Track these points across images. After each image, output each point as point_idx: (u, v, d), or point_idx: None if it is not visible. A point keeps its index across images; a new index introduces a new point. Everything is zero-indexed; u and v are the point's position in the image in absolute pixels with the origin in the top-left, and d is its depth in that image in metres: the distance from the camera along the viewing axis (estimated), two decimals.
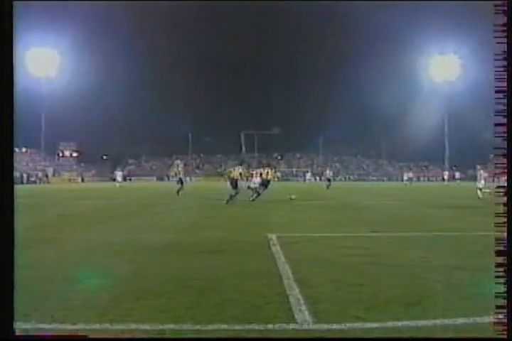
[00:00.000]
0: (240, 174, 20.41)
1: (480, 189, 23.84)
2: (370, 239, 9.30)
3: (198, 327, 3.84)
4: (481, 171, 25.45)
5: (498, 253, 2.93)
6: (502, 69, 3.11)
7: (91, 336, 3.45)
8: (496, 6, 3.03)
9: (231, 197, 19.50)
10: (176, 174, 26.94)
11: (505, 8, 3.02)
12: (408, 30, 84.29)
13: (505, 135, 3.12)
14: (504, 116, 3.08)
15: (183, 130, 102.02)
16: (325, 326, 3.89)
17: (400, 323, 3.92)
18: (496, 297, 2.90)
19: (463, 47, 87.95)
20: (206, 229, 10.84)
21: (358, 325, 3.90)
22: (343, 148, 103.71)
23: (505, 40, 3.08)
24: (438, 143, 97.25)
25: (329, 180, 40.13)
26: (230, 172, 20.68)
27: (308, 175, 76.72)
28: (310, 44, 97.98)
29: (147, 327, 3.83)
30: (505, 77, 3.10)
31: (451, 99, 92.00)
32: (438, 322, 3.96)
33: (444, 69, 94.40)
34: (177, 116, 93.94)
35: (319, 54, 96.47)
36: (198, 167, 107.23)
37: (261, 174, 21.83)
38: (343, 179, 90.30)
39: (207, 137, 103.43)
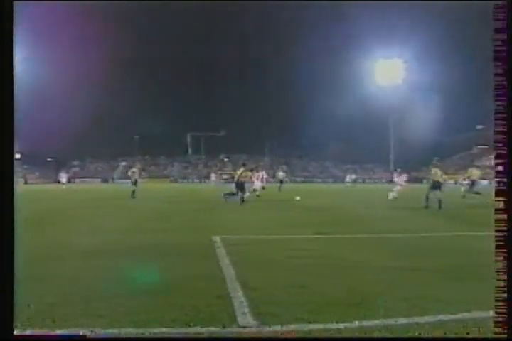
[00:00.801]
0: (246, 176, 21.03)
1: (394, 190, 25.08)
2: (316, 241, 9.34)
3: (140, 330, 3.80)
4: (395, 174, 27.58)
5: (498, 253, 3.01)
6: (502, 72, 3.17)
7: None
8: (495, 8, 3.11)
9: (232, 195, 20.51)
10: (131, 176, 26.81)
11: (505, 10, 3.11)
12: (353, 35, 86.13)
13: (505, 134, 3.21)
14: (504, 119, 3.18)
15: (129, 131, 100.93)
16: (267, 328, 3.90)
17: (342, 325, 3.96)
18: (496, 297, 3.00)
19: (407, 51, 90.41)
20: (150, 232, 10.60)
21: (301, 326, 3.93)
22: (289, 150, 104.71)
23: (505, 39, 3.13)
24: (383, 145, 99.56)
25: (281, 181, 40.46)
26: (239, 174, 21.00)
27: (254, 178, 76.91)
28: (257, 46, 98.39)
29: (86, 331, 3.74)
30: (505, 80, 3.15)
31: (396, 102, 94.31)
32: (379, 322, 4.02)
33: (389, 73, 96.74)
34: (122, 118, 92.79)
35: (267, 56, 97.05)
36: (143, 169, 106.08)
37: (262, 177, 23.64)
38: (289, 181, 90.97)
39: (152, 139, 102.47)
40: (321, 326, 3.91)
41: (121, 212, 16.68)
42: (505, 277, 2.99)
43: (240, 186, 20.16)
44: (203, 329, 3.83)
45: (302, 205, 20.12)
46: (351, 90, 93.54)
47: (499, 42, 3.12)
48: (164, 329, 3.83)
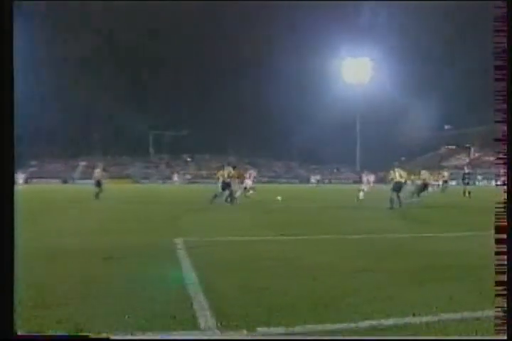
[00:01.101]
0: (231, 176, 20.93)
1: (362, 190, 25.66)
2: (280, 243, 9.37)
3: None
4: (364, 175, 28.17)
5: (498, 252, 3.06)
6: (502, 69, 3.20)
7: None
8: (496, 7, 3.15)
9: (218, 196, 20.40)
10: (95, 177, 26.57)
11: (505, 9, 3.14)
12: (321, 33, 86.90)
13: (505, 134, 3.20)
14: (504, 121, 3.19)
15: (89, 131, 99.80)
16: (229, 331, 3.91)
17: (305, 327, 3.98)
18: (496, 296, 3.06)
19: (374, 50, 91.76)
20: (113, 233, 10.52)
21: (263, 330, 3.94)
22: (254, 149, 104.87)
23: (505, 39, 3.16)
24: (350, 145, 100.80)
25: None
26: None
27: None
28: (222, 43, 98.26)
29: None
30: (506, 77, 3.18)
31: (363, 101, 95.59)
32: (342, 326, 4.04)
33: (357, 71, 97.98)
34: (81, 117, 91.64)
35: (231, 54, 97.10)
36: (104, 169, 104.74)
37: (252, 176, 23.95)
38: (255, 181, 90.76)
39: (113, 138, 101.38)
40: (282, 329, 3.93)
41: (83, 214, 16.53)
42: (505, 277, 3.05)
43: (227, 186, 20.24)
44: (164, 333, 3.83)
45: (266, 206, 20.28)
46: (318, 89, 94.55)
47: (499, 43, 3.17)
48: (129, 336, 3.79)
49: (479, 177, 72.36)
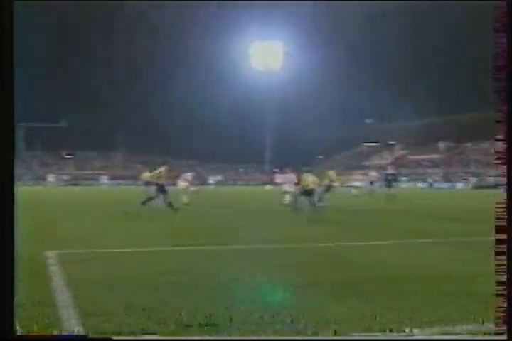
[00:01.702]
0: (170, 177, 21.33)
1: (286, 192, 24.33)
2: (175, 254, 9.28)
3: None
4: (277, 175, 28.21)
5: (498, 253, 3.40)
6: (502, 69, 3.53)
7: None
8: (496, 7, 3.49)
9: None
10: None
11: (505, 10, 3.50)
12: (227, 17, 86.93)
13: (506, 133, 3.51)
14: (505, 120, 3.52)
15: None
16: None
17: None
18: (497, 296, 3.40)
19: (288, 33, 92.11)
20: None
21: None
22: (147, 146, 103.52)
23: (505, 39, 3.50)
24: (258, 141, 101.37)
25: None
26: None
27: (104, 179, 77.16)
28: (117, 30, 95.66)
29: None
30: (506, 77, 3.52)
31: (274, 90, 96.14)
32: None
33: (266, 57, 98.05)
34: None
35: (127, 38, 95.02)
36: None
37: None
38: None
39: None
40: None
41: None
42: (505, 277, 3.40)
43: (161, 188, 20.16)
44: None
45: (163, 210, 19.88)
46: (222, 76, 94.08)
47: (499, 43, 3.50)
48: None
49: (404, 178, 73.92)
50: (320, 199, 21.56)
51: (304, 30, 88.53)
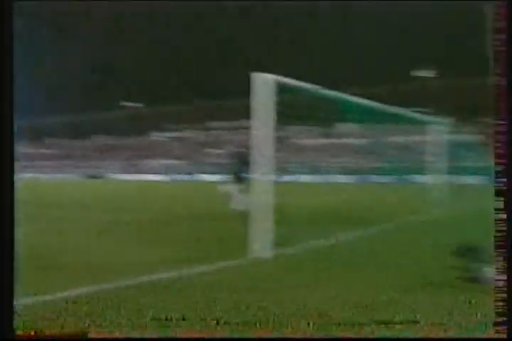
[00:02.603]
0: None
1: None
2: None
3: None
4: None
5: (498, 253, 3.39)
6: (502, 68, 3.51)
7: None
8: (496, 8, 3.47)
9: None
10: None
11: (505, 10, 3.46)
12: None
13: (506, 134, 3.50)
14: (504, 119, 3.50)
15: None
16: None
17: None
18: (496, 297, 3.40)
19: None
20: None
21: None
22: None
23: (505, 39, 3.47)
24: None
25: None
26: None
27: None
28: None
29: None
30: (505, 76, 3.50)
31: None
32: None
33: None
34: None
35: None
36: None
37: None
38: None
39: None
40: None
41: None
42: (505, 277, 3.38)
43: None
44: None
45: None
46: None
47: (499, 42, 3.46)
48: None
49: None
50: None
51: None
